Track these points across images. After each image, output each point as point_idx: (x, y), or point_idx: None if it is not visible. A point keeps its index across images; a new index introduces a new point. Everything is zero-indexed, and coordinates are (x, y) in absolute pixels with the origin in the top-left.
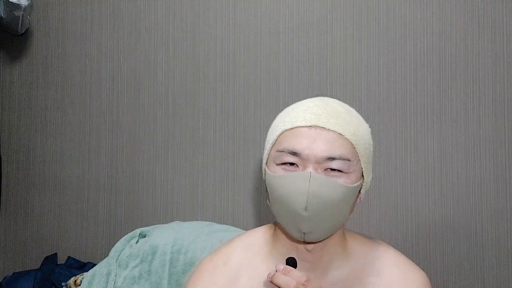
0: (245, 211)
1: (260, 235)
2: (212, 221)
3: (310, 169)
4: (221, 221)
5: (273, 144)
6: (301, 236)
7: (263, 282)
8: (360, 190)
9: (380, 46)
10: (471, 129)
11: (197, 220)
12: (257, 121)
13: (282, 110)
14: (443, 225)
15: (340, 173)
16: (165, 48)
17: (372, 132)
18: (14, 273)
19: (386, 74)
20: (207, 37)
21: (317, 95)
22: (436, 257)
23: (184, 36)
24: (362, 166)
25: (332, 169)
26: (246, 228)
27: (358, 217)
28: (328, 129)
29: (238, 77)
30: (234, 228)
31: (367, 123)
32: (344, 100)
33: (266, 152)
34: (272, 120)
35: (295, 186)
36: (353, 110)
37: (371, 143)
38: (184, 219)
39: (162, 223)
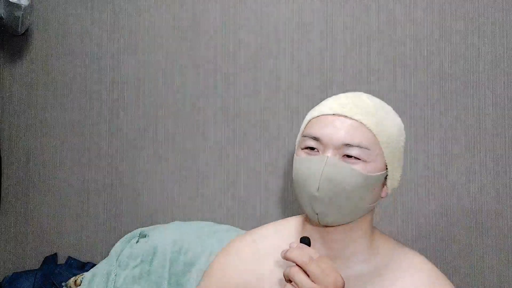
0: (245, 211)
1: (292, 223)
2: (212, 221)
3: (328, 153)
4: (221, 221)
5: (302, 131)
6: (315, 217)
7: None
8: (385, 184)
9: (380, 46)
10: (471, 129)
11: (197, 220)
12: (257, 121)
13: (283, 110)
14: (443, 225)
15: (358, 160)
16: (165, 48)
17: None
18: (14, 273)
19: (386, 74)
20: (207, 37)
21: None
22: (436, 257)
23: (184, 36)
24: (385, 158)
25: (351, 156)
26: (246, 228)
27: None
28: (350, 118)
29: (238, 77)
30: (235, 228)
31: None
32: None
33: (297, 140)
34: (273, 120)
35: (311, 168)
36: (385, 105)
37: (402, 138)
38: (184, 219)
39: (162, 223)
